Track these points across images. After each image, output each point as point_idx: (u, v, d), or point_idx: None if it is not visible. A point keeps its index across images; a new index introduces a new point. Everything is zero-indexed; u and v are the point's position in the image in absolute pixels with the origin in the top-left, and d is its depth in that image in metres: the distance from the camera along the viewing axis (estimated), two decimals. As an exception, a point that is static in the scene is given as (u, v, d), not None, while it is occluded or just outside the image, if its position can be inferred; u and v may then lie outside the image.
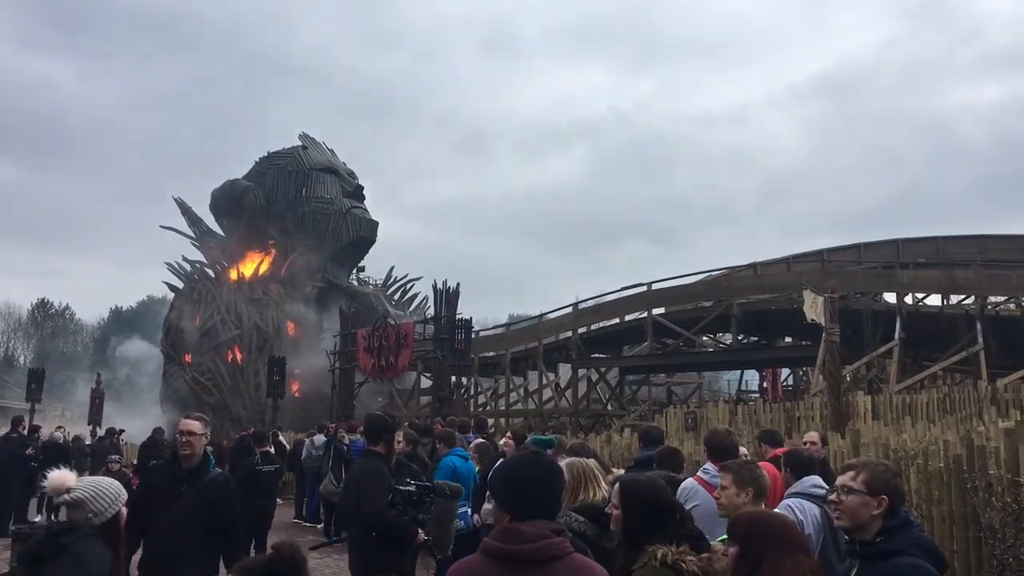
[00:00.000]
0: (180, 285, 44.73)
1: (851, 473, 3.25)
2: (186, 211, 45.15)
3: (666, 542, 3.12)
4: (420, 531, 5.58)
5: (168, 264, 45.08)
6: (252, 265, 42.97)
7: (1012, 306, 25.30)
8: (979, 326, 22.15)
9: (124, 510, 3.81)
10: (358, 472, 5.81)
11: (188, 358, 41.25)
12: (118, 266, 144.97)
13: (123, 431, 23.23)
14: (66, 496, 3.68)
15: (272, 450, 12.16)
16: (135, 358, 47.47)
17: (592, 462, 4.55)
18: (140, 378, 45.26)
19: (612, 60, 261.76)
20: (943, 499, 7.86)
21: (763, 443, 7.18)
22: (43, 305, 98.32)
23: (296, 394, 36.89)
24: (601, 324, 31.52)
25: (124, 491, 3.86)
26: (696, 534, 3.31)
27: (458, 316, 25.55)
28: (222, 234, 45.04)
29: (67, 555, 3.47)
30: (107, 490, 3.75)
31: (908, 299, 25.49)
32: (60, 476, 3.82)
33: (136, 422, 41.38)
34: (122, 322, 76.11)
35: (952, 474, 7.76)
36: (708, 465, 5.30)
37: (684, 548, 3.11)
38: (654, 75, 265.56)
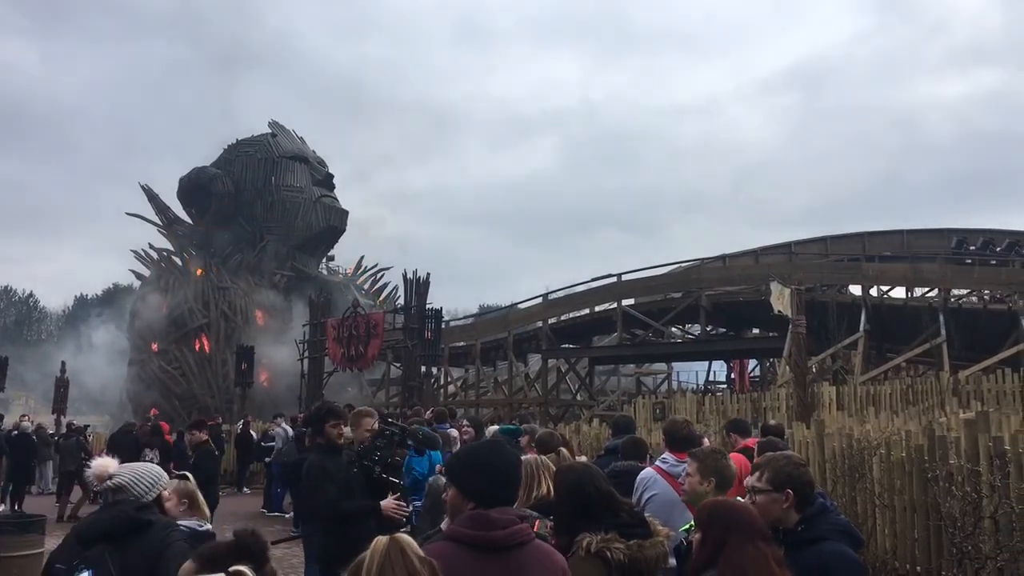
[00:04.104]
0: (147, 273, 44.14)
1: (756, 474, 3.40)
2: (153, 198, 44.45)
3: (598, 530, 3.13)
4: (390, 494, 5.55)
5: (134, 251, 44.45)
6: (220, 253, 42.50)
7: (974, 299, 25.74)
8: (942, 319, 22.51)
9: (166, 493, 3.94)
10: (305, 468, 5.79)
11: (155, 347, 40.74)
12: (84, 253, 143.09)
13: (88, 427, 22.89)
14: (108, 482, 3.79)
15: (207, 437, 11.99)
16: (101, 346, 46.76)
17: (545, 458, 4.55)
18: (106, 367, 44.55)
19: (584, 51, 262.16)
20: (904, 488, 7.99)
21: (732, 433, 7.24)
22: (6, 292, 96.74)
23: (265, 384, 36.62)
24: (571, 315, 31.63)
25: (164, 476, 3.98)
26: (635, 521, 3.31)
27: (428, 306, 25.47)
28: (189, 222, 44.48)
29: (158, 526, 3.61)
30: (146, 474, 3.87)
31: (873, 291, 25.85)
32: (102, 463, 3.93)
33: (102, 411, 40.88)
34: (88, 310, 74.99)
35: (914, 464, 7.88)
36: (667, 455, 5.33)
37: (611, 536, 3.12)
38: (626, 66, 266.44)
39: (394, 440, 5.75)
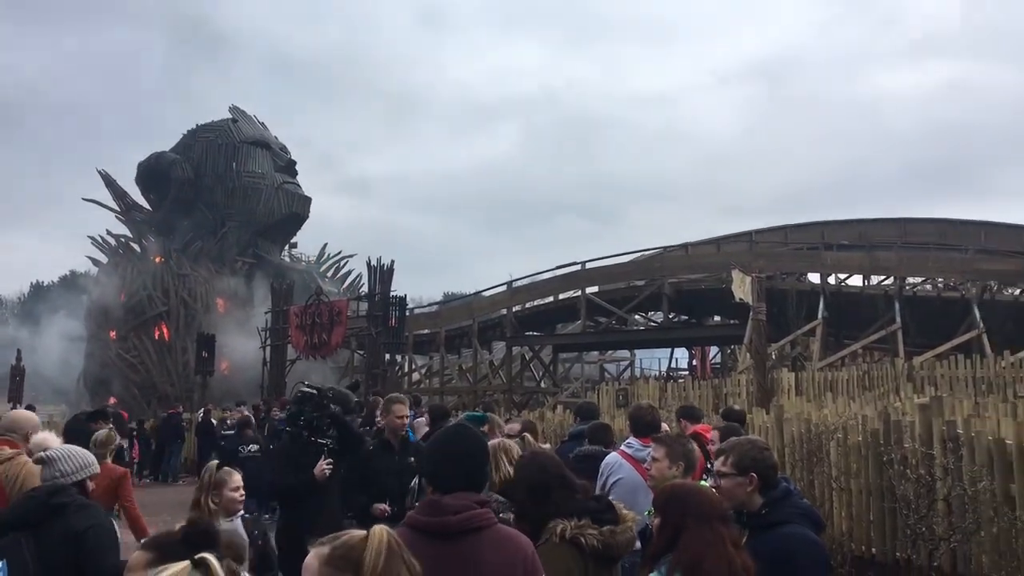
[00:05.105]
0: (104, 259, 43.39)
1: (721, 458, 3.45)
2: (110, 184, 43.61)
3: (565, 516, 3.15)
4: (323, 463, 5.71)
5: (91, 238, 43.65)
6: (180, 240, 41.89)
7: (929, 287, 26.25)
8: (897, 306, 22.93)
9: (91, 483, 3.98)
10: (274, 451, 6.04)
11: (113, 334, 40.11)
12: (40, 239, 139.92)
13: (32, 407, 22.54)
14: (42, 453, 3.92)
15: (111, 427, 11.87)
16: (58, 334, 45.87)
17: (509, 442, 4.61)
18: (63, 355, 43.73)
19: (547, 38, 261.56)
20: (861, 472, 8.16)
21: (682, 419, 7.29)
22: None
23: (225, 372, 36.24)
24: (535, 302, 31.70)
25: (95, 463, 4.05)
26: (602, 506, 3.35)
27: (392, 293, 25.39)
28: (148, 208, 43.77)
29: (71, 509, 3.63)
30: (75, 455, 3.94)
31: (831, 279, 26.23)
32: (44, 436, 4.23)
33: (59, 400, 40.17)
34: (44, 297, 73.53)
35: (870, 448, 8.06)
36: (631, 439, 5.41)
37: (584, 522, 3.14)
38: (589, 54, 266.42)
39: (314, 402, 5.91)
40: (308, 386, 6.14)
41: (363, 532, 2.01)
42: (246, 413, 16.00)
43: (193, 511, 4.43)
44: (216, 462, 4.76)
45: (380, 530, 2.01)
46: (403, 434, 6.44)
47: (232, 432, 17.87)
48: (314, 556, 1.98)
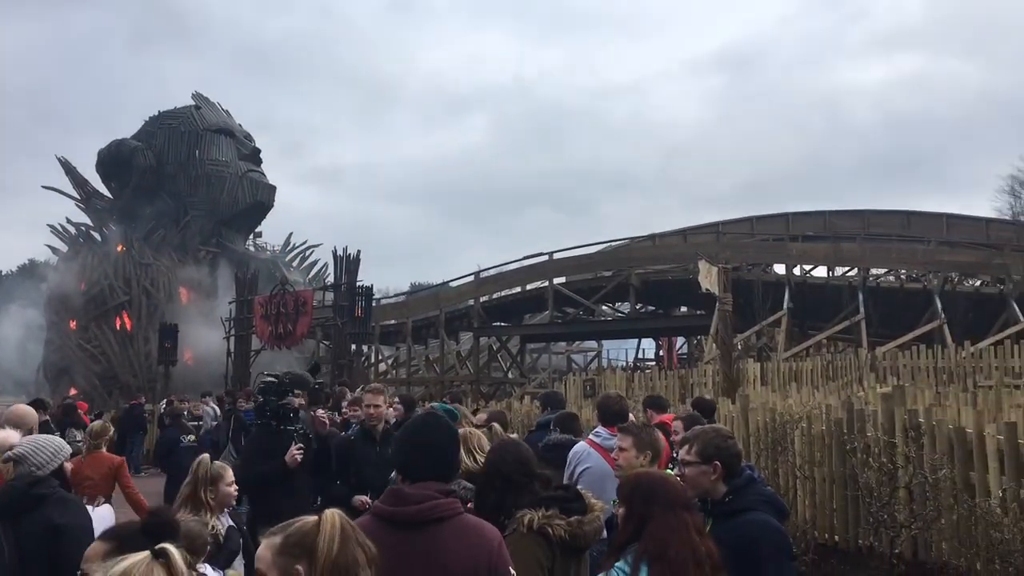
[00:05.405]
0: (64, 248, 42.65)
1: (686, 447, 3.45)
2: (70, 171, 42.84)
3: (532, 506, 3.14)
4: (294, 450, 5.72)
5: (51, 226, 42.89)
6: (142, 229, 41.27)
7: (892, 278, 26.63)
8: (861, 297, 23.23)
9: (68, 465, 4.01)
10: (245, 443, 5.98)
11: (73, 324, 39.46)
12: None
13: None
14: (9, 453, 3.90)
15: (47, 418, 11.70)
16: (17, 324, 44.99)
17: (475, 431, 4.60)
18: (23, 345, 42.93)
19: (518, 29, 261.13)
20: (824, 460, 8.25)
21: (649, 408, 7.33)
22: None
23: (189, 362, 35.80)
24: (503, 293, 31.69)
25: (66, 447, 4.05)
26: (569, 495, 3.34)
27: (359, 283, 25.20)
28: (109, 196, 43.05)
29: (51, 501, 3.66)
30: (45, 445, 3.95)
31: (796, 271, 26.52)
32: (4, 435, 4.21)
33: (19, 392, 39.47)
34: (1, 286, 72.18)
35: (833, 437, 8.15)
36: (599, 428, 5.41)
37: (552, 512, 3.13)
38: (559, 45, 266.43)
39: (275, 389, 5.91)
40: (269, 375, 6.14)
41: (315, 518, 1.99)
42: (194, 408, 15.89)
43: (188, 506, 4.35)
44: (207, 455, 4.69)
45: (332, 514, 1.99)
46: (384, 425, 6.34)
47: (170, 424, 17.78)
48: (266, 547, 1.95)
